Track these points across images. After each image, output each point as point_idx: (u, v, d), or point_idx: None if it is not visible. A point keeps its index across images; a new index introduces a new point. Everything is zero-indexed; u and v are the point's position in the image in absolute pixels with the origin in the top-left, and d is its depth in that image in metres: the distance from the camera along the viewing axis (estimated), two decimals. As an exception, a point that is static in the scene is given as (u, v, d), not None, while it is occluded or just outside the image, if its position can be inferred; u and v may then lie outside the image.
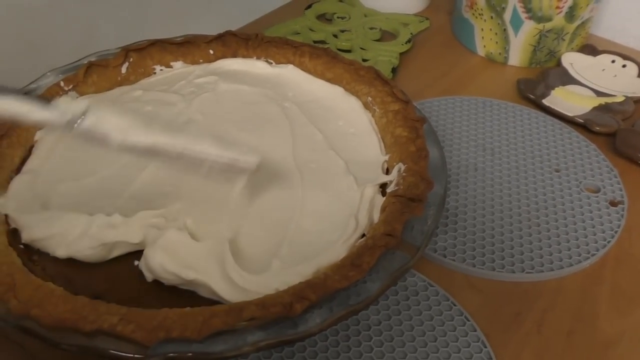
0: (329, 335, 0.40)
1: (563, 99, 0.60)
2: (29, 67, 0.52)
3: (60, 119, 0.35)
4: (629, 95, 0.60)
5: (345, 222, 0.40)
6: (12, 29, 0.53)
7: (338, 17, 0.73)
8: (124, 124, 0.35)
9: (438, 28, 0.74)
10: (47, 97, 0.37)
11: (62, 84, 0.48)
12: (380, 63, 0.64)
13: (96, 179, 0.42)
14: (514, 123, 0.58)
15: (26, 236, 0.38)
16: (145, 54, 0.52)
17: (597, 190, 0.51)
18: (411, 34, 0.70)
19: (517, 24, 0.64)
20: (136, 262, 0.38)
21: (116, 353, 0.31)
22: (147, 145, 0.36)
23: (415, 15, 0.74)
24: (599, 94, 0.61)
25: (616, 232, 0.47)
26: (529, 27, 0.64)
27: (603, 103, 0.59)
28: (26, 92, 0.36)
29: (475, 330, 0.40)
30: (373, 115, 0.49)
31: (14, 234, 0.39)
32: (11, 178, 0.42)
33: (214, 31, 0.55)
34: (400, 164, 0.44)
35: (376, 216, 0.41)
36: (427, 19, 0.73)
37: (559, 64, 0.65)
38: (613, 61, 0.65)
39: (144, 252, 0.37)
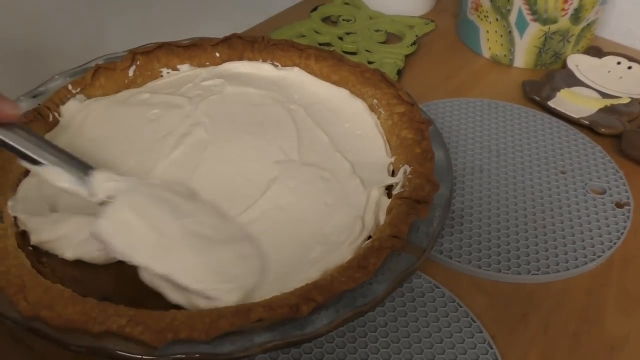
0: (336, 336, 0.40)
1: (568, 101, 0.60)
2: (37, 70, 0.52)
3: (87, 196, 0.37)
4: (635, 96, 0.60)
5: (351, 224, 0.40)
6: (21, 33, 0.54)
7: (343, 20, 0.73)
8: (131, 237, 0.35)
9: (443, 30, 0.74)
10: (88, 166, 0.38)
11: (70, 87, 0.48)
12: (385, 65, 0.64)
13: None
14: (519, 125, 0.58)
15: (35, 238, 0.39)
16: (152, 56, 0.53)
17: (603, 192, 0.51)
18: (416, 36, 0.70)
19: (522, 26, 0.64)
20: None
21: (124, 354, 0.31)
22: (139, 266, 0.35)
23: (421, 17, 0.75)
24: (604, 95, 0.61)
25: (622, 233, 0.48)
26: (534, 29, 0.64)
27: (609, 105, 0.59)
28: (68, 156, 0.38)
29: (481, 332, 0.41)
30: (379, 118, 0.49)
31: (23, 236, 0.39)
32: (20, 180, 0.42)
33: (220, 34, 0.55)
34: (406, 166, 0.44)
35: (382, 218, 0.41)
36: (432, 21, 0.74)
37: (564, 65, 0.65)
38: (619, 63, 0.65)
39: None
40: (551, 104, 0.60)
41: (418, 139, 0.45)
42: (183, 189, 0.41)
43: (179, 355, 0.31)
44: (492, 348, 0.40)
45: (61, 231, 0.38)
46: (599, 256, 0.46)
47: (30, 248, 0.39)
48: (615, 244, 0.47)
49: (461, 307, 0.42)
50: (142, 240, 0.35)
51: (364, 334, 0.40)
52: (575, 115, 0.58)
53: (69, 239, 0.38)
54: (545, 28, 0.63)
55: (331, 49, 0.56)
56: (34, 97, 0.47)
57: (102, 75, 0.50)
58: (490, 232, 0.47)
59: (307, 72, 0.53)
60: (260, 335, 0.33)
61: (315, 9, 0.74)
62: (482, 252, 0.46)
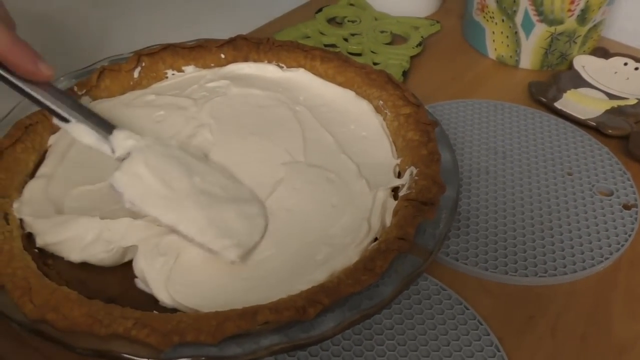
0: (342, 338, 0.40)
1: (575, 102, 0.60)
2: (42, 72, 0.52)
3: (109, 152, 0.40)
4: (642, 98, 0.60)
5: (357, 226, 0.40)
6: (26, 34, 0.53)
7: (349, 21, 0.73)
8: (143, 190, 0.38)
9: (449, 31, 0.74)
10: (112, 125, 0.41)
11: (75, 88, 0.48)
12: (391, 66, 0.64)
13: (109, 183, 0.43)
14: (525, 126, 0.58)
15: (40, 240, 0.39)
16: (158, 58, 0.53)
17: (610, 194, 0.51)
18: (422, 37, 0.70)
19: (528, 26, 0.64)
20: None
21: (131, 357, 0.31)
22: (149, 216, 0.39)
23: (426, 18, 0.75)
24: (611, 96, 0.61)
25: (630, 235, 0.47)
26: (540, 30, 0.63)
27: (615, 106, 0.59)
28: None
29: (488, 334, 0.40)
30: (384, 119, 0.49)
31: (28, 238, 0.39)
32: (26, 183, 0.42)
33: (225, 35, 0.55)
34: (412, 168, 0.43)
35: (388, 220, 0.41)
36: (437, 22, 0.73)
37: (570, 66, 0.65)
38: (625, 64, 0.65)
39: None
40: (557, 105, 0.60)
41: (424, 141, 0.45)
42: (198, 151, 0.45)
43: (185, 358, 0.31)
44: (499, 351, 0.39)
45: (67, 234, 0.38)
46: (606, 258, 0.45)
47: (36, 250, 0.39)
48: (622, 246, 0.46)
49: (468, 309, 0.42)
50: (153, 193, 0.38)
51: (370, 337, 0.40)
52: (581, 116, 0.58)
53: (74, 241, 0.38)
54: (552, 29, 0.63)
55: (336, 50, 0.56)
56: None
57: (107, 76, 0.50)
58: (497, 234, 0.47)
59: (313, 73, 0.53)
60: (266, 338, 0.33)
61: (320, 10, 0.74)
62: (488, 254, 0.45)
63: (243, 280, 0.37)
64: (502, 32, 0.66)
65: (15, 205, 0.40)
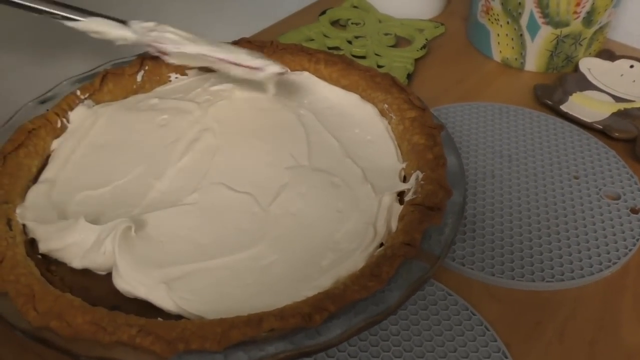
0: (348, 345, 0.39)
1: (581, 105, 0.59)
2: (45, 75, 0.52)
3: (134, 36, 0.47)
4: (648, 100, 0.60)
5: (363, 231, 0.40)
6: (28, 38, 0.53)
7: (352, 23, 0.72)
8: (181, 36, 0.47)
9: (453, 33, 0.73)
10: (122, 19, 0.47)
11: (78, 92, 0.48)
12: (395, 69, 0.63)
13: (112, 188, 0.42)
14: (531, 129, 0.58)
15: (43, 246, 0.38)
16: (161, 61, 0.52)
17: (617, 197, 0.51)
18: (426, 39, 0.70)
19: (533, 29, 0.63)
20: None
21: (135, 365, 0.31)
22: (196, 52, 0.46)
23: (430, 20, 0.74)
24: (617, 99, 0.60)
25: (637, 239, 0.47)
26: (546, 32, 0.63)
27: (622, 109, 0.59)
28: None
29: (495, 341, 0.40)
30: (390, 123, 0.49)
31: (31, 244, 0.39)
32: (29, 187, 0.42)
33: (228, 38, 0.54)
34: (418, 172, 0.43)
35: (394, 225, 0.40)
36: (442, 24, 0.73)
37: (576, 69, 0.64)
38: (631, 66, 0.64)
39: None
40: (563, 108, 0.59)
41: (430, 145, 0.44)
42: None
43: (190, 366, 0.31)
44: (506, 357, 0.39)
45: (69, 239, 0.38)
46: (614, 263, 0.45)
47: (39, 256, 0.38)
48: (630, 250, 0.46)
49: (475, 315, 0.41)
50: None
51: (376, 343, 0.40)
52: (588, 119, 0.58)
53: (76, 247, 0.38)
54: (557, 31, 0.63)
55: (340, 53, 0.55)
56: (42, 102, 0.47)
57: (111, 80, 0.50)
58: (503, 239, 0.46)
59: (317, 76, 0.53)
60: (272, 345, 0.32)
61: (323, 12, 0.74)
62: (495, 259, 0.45)
63: (248, 286, 0.37)
64: (507, 35, 0.66)
65: (18, 210, 0.40)
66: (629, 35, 0.71)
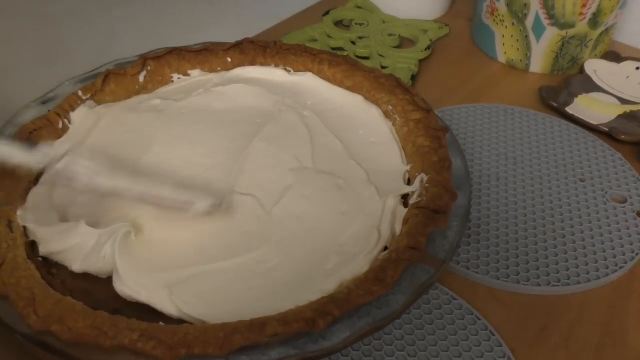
0: (352, 349, 0.39)
1: (587, 107, 0.59)
2: (47, 75, 0.52)
3: (39, 163, 0.39)
4: (655, 103, 0.59)
5: (367, 234, 0.39)
6: (30, 38, 0.53)
7: (356, 24, 0.72)
8: (93, 168, 0.40)
9: (458, 34, 0.73)
10: (33, 142, 0.42)
11: (80, 93, 0.48)
12: (399, 70, 0.63)
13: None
14: (536, 131, 0.57)
15: (43, 249, 0.38)
16: (163, 62, 0.52)
17: (624, 201, 0.50)
18: (430, 40, 0.69)
19: (539, 30, 0.63)
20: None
21: (137, 370, 0.31)
22: (109, 189, 0.39)
23: (435, 21, 0.74)
24: (623, 101, 0.60)
25: (644, 244, 0.46)
26: (551, 34, 0.63)
27: (628, 111, 0.58)
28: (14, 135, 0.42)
29: (500, 346, 0.39)
30: (394, 124, 0.48)
31: (32, 247, 0.38)
32: (30, 189, 0.42)
33: (231, 39, 0.54)
34: (423, 175, 0.43)
35: (398, 228, 0.40)
36: (446, 25, 0.73)
37: (582, 71, 0.64)
38: (638, 68, 0.64)
39: None
40: (569, 110, 0.59)
41: (435, 147, 0.44)
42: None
43: (192, 372, 0.31)
44: (512, 362, 0.39)
45: (69, 243, 0.37)
46: (620, 267, 0.45)
47: (40, 259, 0.38)
48: (637, 254, 0.46)
49: (480, 319, 0.41)
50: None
51: (380, 347, 0.39)
52: (593, 121, 0.57)
53: (76, 251, 0.37)
54: (563, 33, 0.62)
55: (344, 54, 0.55)
56: (44, 103, 0.47)
57: (113, 81, 0.50)
58: (509, 242, 0.46)
59: (321, 77, 0.52)
60: (275, 350, 0.32)
61: (327, 12, 0.74)
62: (500, 263, 0.45)
63: (251, 290, 0.36)
64: (512, 36, 0.65)
65: (19, 212, 0.40)
66: (635, 37, 0.71)
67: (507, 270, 0.44)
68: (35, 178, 0.43)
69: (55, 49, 0.55)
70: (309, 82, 0.52)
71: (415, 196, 0.42)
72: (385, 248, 0.39)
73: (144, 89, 0.51)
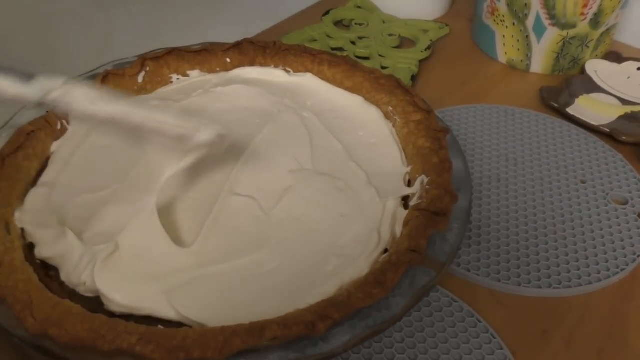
0: (352, 353, 0.39)
1: (588, 108, 0.59)
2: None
3: (36, 94, 0.37)
4: (656, 103, 0.59)
5: (367, 236, 0.39)
6: (29, 38, 0.53)
7: (356, 24, 0.72)
8: (92, 95, 0.38)
9: (458, 34, 0.72)
10: (29, 73, 0.38)
11: (78, 93, 0.47)
12: (399, 70, 0.63)
13: (112, 191, 0.42)
14: (537, 132, 0.57)
15: (37, 253, 0.38)
16: (162, 62, 0.52)
17: (625, 202, 0.50)
18: (431, 40, 0.69)
19: (540, 30, 0.63)
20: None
21: (135, 374, 0.30)
22: (108, 115, 0.38)
23: (435, 21, 0.74)
24: (624, 102, 0.59)
25: (646, 245, 0.46)
26: (552, 34, 0.62)
27: (629, 112, 0.58)
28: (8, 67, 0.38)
29: (502, 348, 0.39)
30: (394, 125, 0.48)
31: (30, 249, 0.38)
32: (28, 191, 0.41)
33: (230, 39, 0.54)
34: (423, 176, 0.42)
35: (399, 230, 0.40)
36: (447, 25, 0.72)
37: (582, 71, 0.64)
38: (639, 68, 0.64)
39: None
40: (570, 110, 0.58)
41: (435, 148, 0.44)
42: None
43: (191, 376, 0.30)
44: (513, 366, 0.38)
45: (57, 250, 0.37)
46: (622, 269, 0.44)
47: (38, 261, 0.38)
48: (638, 256, 0.45)
49: (480, 322, 0.41)
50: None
51: (380, 350, 0.39)
52: (594, 122, 0.57)
53: (61, 260, 0.37)
54: (564, 33, 0.62)
55: (344, 54, 0.55)
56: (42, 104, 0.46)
57: (111, 81, 0.49)
58: (509, 244, 0.46)
59: (320, 78, 0.52)
60: (274, 354, 0.32)
61: (327, 12, 0.73)
62: (501, 265, 0.44)
63: (250, 292, 0.36)
64: (512, 36, 0.65)
65: (16, 214, 0.39)
66: (637, 37, 0.71)
67: (507, 272, 0.44)
68: (33, 180, 0.43)
69: (54, 49, 0.55)
70: (308, 83, 0.52)
71: (415, 198, 0.41)
72: (386, 250, 0.39)
73: (142, 90, 0.51)
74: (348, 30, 0.71)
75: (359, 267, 0.37)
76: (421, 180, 0.42)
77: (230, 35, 0.56)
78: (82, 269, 0.36)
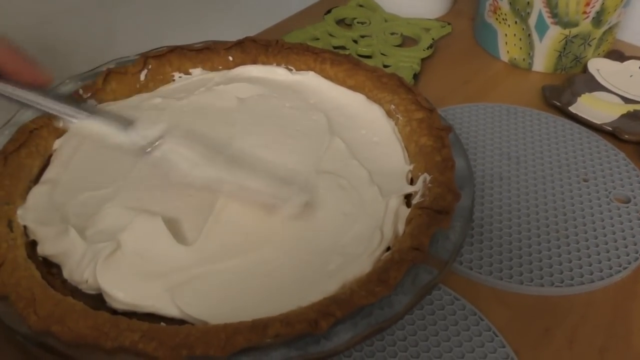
0: (354, 351, 0.39)
1: (590, 106, 0.59)
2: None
3: (137, 144, 0.38)
4: (658, 102, 0.59)
5: (370, 235, 0.39)
6: (31, 36, 0.53)
7: (358, 23, 0.72)
8: (191, 157, 0.39)
9: (460, 33, 0.72)
10: (129, 119, 0.39)
11: (80, 91, 0.48)
12: (401, 69, 0.63)
13: (114, 189, 0.42)
14: (539, 131, 0.57)
15: (39, 250, 0.38)
16: (164, 60, 0.52)
17: (627, 201, 0.50)
18: (433, 39, 0.69)
19: (542, 29, 0.62)
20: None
21: (138, 371, 0.30)
22: (204, 181, 0.39)
23: (437, 20, 0.73)
24: (627, 100, 0.59)
25: (648, 244, 0.46)
26: (554, 33, 0.62)
27: (631, 110, 0.58)
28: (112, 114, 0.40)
29: (504, 347, 0.39)
30: (396, 124, 0.48)
31: (33, 246, 0.38)
32: (30, 188, 0.41)
33: (232, 37, 0.54)
34: (426, 175, 0.42)
35: (401, 228, 0.40)
36: (449, 24, 0.72)
37: (585, 70, 0.64)
38: (641, 67, 0.64)
39: None
40: (572, 109, 0.58)
41: (438, 147, 0.44)
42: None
43: (194, 373, 0.30)
44: (515, 364, 0.38)
45: (59, 247, 0.37)
46: (624, 268, 0.44)
47: (41, 258, 0.38)
48: (641, 255, 0.45)
49: (482, 320, 0.41)
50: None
51: (382, 349, 0.39)
52: (597, 121, 0.57)
53: (64, 258, 0.37)
54: (566, 31, 0.62)
55: (346, 53, 0.55)
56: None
57: (114, 79, 0.49)
58: (512, 242, 0.46)
59: (323, 76, 0.52)
60: (277, 351, 0.32)
61: (329, 11, 0.73)
62: (503, 263, 0.44)
63: (253, 291, 0.36)
64: (514, 35, 0.65)
65: (19, 212, 0.39)
66: (639, 36, 0.70)
67: (510, 270, 0.44)
68: (36, 177, 0.43)
69: (56, 48, 0.55)
70: (310, 81, 0.52)
71: (418, 196, 0.41)
72: (388, 248, 0.39)
73: (145, 88, 0.51)
74: (350, 29, 0.71)
75: (362, 266, 0.37)
76: (423, 178, 0.42)
77: (232, 33, 0.56)
78: (84, 266, 0.36)
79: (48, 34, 0.53)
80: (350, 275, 0.36)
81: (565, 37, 0.62)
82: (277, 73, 0.53)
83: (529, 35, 0.64)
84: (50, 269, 0.37)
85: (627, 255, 0.45)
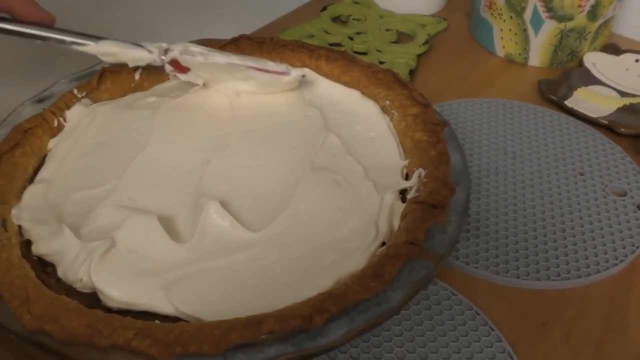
0: (350, 346, 0.39)
1: (586, 100, 0.59)
2: (42, 73, 0.51)
3: (149, 55, 0.47)
4: (655, 95, 0.59)
5: (365, 230, 0.39)
6: (26, 36, 0.53)
7: (353, 19, 0.72)
8: (202, 50, 0.47)
9: (456, 29, 0.72)
10: (135, 42, 0.47)
11: (75, 91, 0.48)
12: (397, 65, 0.63)
13: (109, 188, 0.42)
14: (535, 125, 0.57)
15: (34, 249, 0.38)
16: (159, 59, 0.51)
17: (624, 194, 0.50)
18: (428, 35, 0.69)
19: (537, 23, 0.62)
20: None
21: (132, 369, 0.30)
22: (224, 61, 0.47)
23: (433, 16, 0.73)
24: (623, 94, 0.59)
25: (645, 237, 0.46)
26: (549, 27, 0.62)
27: (627, 104, 0.58)
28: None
29: (500, 341, 0.39)
30: (391, 119, 0.48)
31: (27, 245, 0.38)
32: (25, 188, 0.41)
33: (229, 35, 0.54)
34: (421, 169, 0.42)
35: (396, 223, 0.40)
36: (444, 19, 0.72)
37: (581, 64, 0.64)
38: (637, 60, 0.63)
39: None
40: (568, 103, 0.58)
41: (433, 141, 0.44)
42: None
43: (188, 370, 0.30)
44: (512, 358, 0.38)
45: (53, 246, 0.37)
46: (621, 260, 0.44)
47: (36, 258, 0.38)
48: (638, 247, 0.45)
49: (479, 315, 0.41)
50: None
51: (378, 344, 0.39)
52: (593, 114, 0.57)
53: (58, 257, 0.37)
54: (562, 25, 0.62)
55: (342, 49, 0.55)
56: (39, 101, 0.47)
57: (108, 78, 0.49)
58: (508, 237, 0.46)
59: (318, 73, 0.52)
60: (272, 347, 0.32)
61: (324, 8, 0.73)
62: (499, 258, 0.44)
63: (248, 287, 0.36)
64: (510, 29, 0.65)
65: (14, 211, 0.39)
66: (634, 29, 0.70)
67: (506, 264, 0.44)
68: (31, 177, 0.43)
69: (52, 46, 0.55)
70: (306, 78, 0.52)
71: (413, 191, 0.41)
72: (383, 244, 0.38)
73: (139, 87, 0.51)
74: (345, 26, 0.71)
75: (357, 261, 0.37)
76: (418, 173, 0.42)
77: (227, 31, 0.56)
78: (78, 265, 0.36)
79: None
80: (345, 271, 0.36)
81: (561, 32, 0.62)
82: (271, 70, 0.53)
83: (525, 30, 0.64)
84: (44, 268, 0.37)
85: (624, 248, 0.45)
